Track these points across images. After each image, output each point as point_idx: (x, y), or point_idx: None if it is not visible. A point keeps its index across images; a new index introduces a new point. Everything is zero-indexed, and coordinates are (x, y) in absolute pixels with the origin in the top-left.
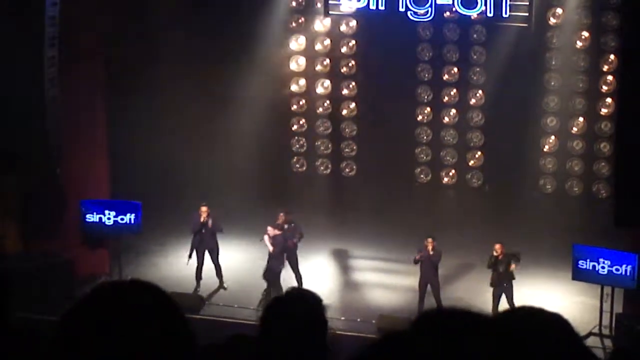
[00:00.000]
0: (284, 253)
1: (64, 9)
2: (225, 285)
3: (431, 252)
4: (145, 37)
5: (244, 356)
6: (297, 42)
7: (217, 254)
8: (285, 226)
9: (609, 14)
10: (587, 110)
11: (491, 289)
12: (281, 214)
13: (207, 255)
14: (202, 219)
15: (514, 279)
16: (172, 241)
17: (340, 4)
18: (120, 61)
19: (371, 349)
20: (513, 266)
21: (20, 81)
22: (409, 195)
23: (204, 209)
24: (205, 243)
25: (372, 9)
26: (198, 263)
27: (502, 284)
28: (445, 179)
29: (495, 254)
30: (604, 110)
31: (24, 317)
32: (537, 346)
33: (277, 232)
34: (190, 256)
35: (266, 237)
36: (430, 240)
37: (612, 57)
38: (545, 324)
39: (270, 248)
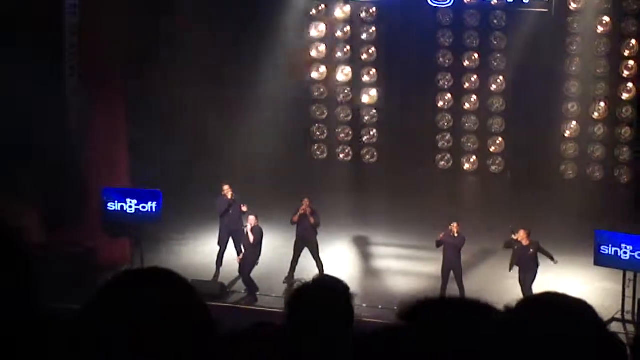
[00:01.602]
0: (260, 246)
1: (84, 3)
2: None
3: (455, 235)
4: (165, 25)
5: (267, 344)
6: (318, 29)
7: (241, 238)
8: (308, 213)
9: None
10: (608, 95)
11: (511, 274)
12: (305, 200)
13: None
14: (229, 197)
15: (537, 265)
16: (193, 229)
17: None
18: (140, 50)
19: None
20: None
21: (40, 71)
22: (430, 181)
23: (226, 187)
24: (231, 224)
25: None
26: (221, 248)
27: (530, 269)
28: (467, 165)
29: (513, 236)
30: (625, 95)
31: (45, 305)
32: (562, 332)
33: (255, 222)
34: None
35: (248, 226)
36: (455, 224)
37: (633, 41)
38: (569, 310)
39: (251, 239)
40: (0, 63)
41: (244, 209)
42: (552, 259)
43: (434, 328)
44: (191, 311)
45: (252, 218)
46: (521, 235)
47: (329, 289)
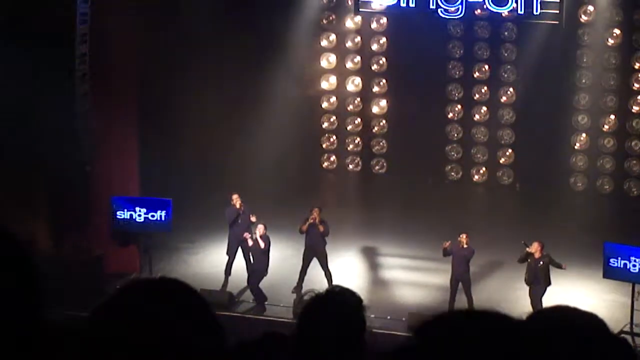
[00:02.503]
0: (268, 255)
1: (95, 12)
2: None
3: (465, 247)
4: (176, 35)
5: (276, 354)
6: (328, 40)
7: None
8: (317, 222)
9: None
10: (618, 107)
11: (520, 286)
12: (315, 209)
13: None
14: (238, 207)
15: (549, 284)
16: (202, 238)
17: (371, 1)
18: (151, 60)
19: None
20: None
21: (50, 80)
22: (439, 192)
23: (235, 196)
24: (240, 234)
25: (403, 6)
26: (229, 258)
27: (539, 282)
28: (476, 177)
29: (528, 250)
30: (635, 108)
31: (54, 313)
32: (574, 346)
33: (264, 231)
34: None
35: (258, 233)
36: (464, 235)
37: None
38: (580, 324)
39: (262, 244)
40: (9, 73)
41: (253, 219)
42: (560, 267)
43: (447, 344)
44: (201, 321)
45: (260, 227)
46: (535, 248)
47: (342, 301)
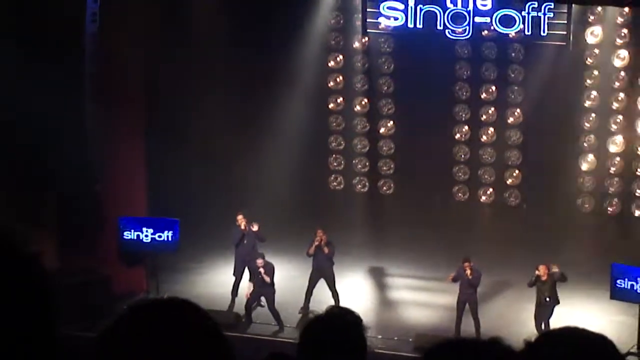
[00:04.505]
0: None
1: (104, 23)
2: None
3: (470, 277)
4: (184, 52)
5: None
6: (335, 60)
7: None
8: (323, 245)
9: None
10: (626, 129)
11: (527, 307)
12: (319, 231)
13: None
14: (242, 227)
15: (558, 303)
16: (210, 258)
17: (379, 22)
18: (159, 77)
19: None
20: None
21: (59, 96)
22: (446, 213)
23: (240, 217)
24: (245, 255)
25: (410, 27)
26: (236, 279)
27: (546, 304)
28: (483, 198)
29: (537, 273)
30: None
31: (61, 333)
32: None
33: (262, 262)
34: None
35: (261, 270)
36: (467, 264)
37: None
38: (589, 345)
39: (267, 279)
40: (19, 92)
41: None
42: (564, 279)
43: None
44: (209, 342)
45: (259, 261)
46: (542, 271)
47: (341, 321)
